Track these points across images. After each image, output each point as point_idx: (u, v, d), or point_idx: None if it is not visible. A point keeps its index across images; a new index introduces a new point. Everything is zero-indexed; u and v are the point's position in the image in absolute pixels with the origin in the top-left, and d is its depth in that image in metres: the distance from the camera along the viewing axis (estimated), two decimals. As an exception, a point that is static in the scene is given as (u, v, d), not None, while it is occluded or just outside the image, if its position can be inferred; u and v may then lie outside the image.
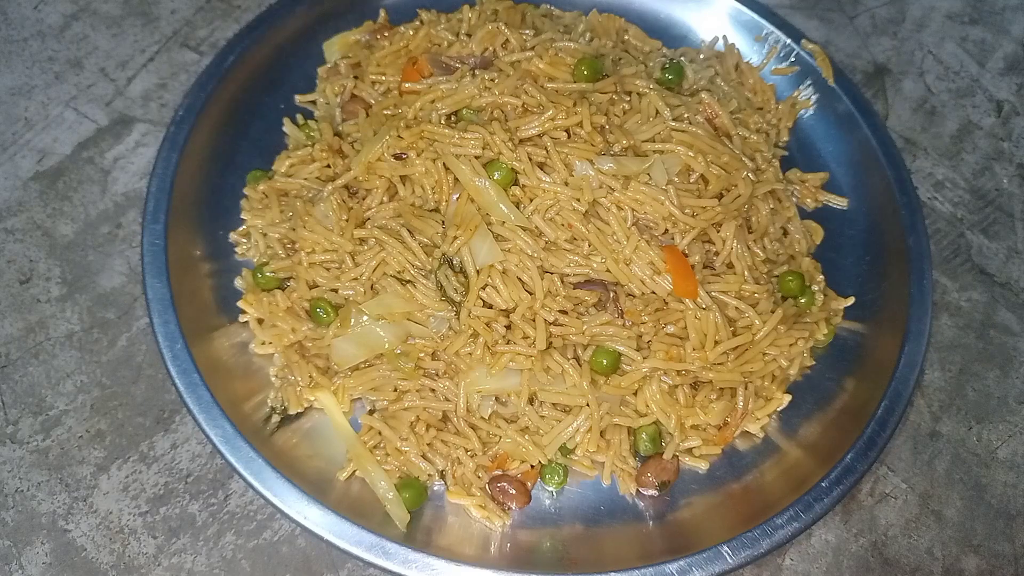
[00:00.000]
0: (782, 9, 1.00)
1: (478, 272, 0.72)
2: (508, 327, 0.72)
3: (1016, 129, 1.02)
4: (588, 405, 0.72)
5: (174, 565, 0.70)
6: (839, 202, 0.89)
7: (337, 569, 0.71)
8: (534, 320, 0.72)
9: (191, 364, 0.70)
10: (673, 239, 0.75)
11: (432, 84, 0.80)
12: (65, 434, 0.75)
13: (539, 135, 0.75)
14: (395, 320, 0.73)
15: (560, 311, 0.72)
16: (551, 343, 0.72)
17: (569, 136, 0.76)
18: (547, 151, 0.74)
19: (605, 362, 0.72)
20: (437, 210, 0.76)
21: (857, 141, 0.90)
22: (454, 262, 0.73)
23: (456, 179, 0.74)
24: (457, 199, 0.74)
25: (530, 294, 0.72)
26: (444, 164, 0.75)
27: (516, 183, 0.74)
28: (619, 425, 0.73)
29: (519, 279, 0.72)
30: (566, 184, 0.73)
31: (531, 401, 0.73)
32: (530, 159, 0.73)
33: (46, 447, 0.74)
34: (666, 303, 0.74)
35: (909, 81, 1.04)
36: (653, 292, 0.73)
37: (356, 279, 0.75)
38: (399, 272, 0.74)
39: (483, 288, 0.72)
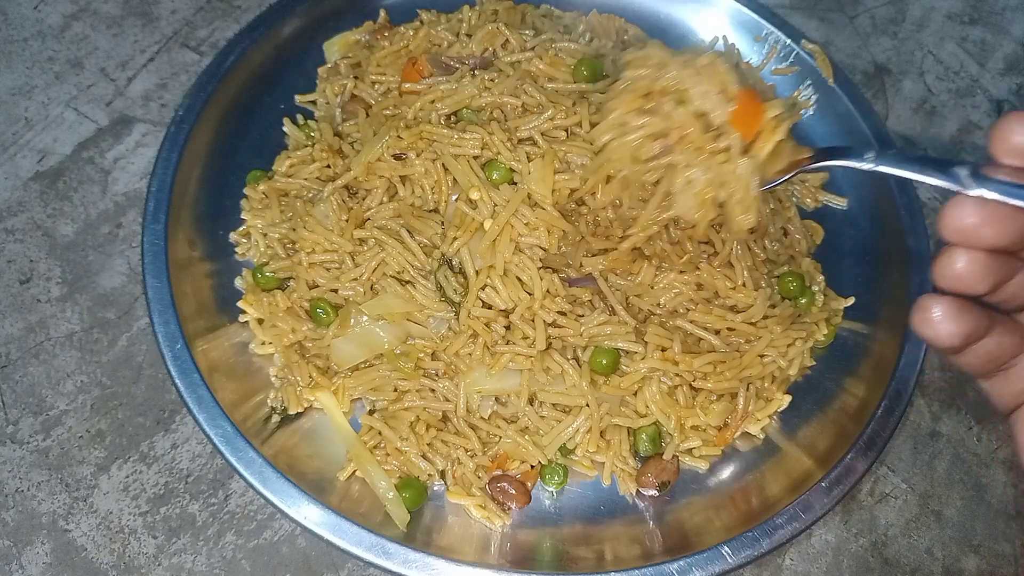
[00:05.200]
0: (782, 9, 1.00)
1: (477, 273, 0.72)
2: (508, 327, 0.72)
3: (1016, 129, 1.02)
4: (588, 405, 0.72)
5: (174, 565, 0.70)
6: (839, 202, 0.89)
7: (337, 569, 0.71)
8: (533, 320, 0.72)
9: (191, 364, 0.70)
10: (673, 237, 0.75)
11: (432, 84, 0.80)
12: (65, 434, 0.75)
13: (539, 134, 0.75)
14: (395, 320, 0.73)
15: (559, 312, 0.72)
16: (550, 344, 0.72)
17: (568, 136, 0.76)
18: (538, 146, 0.74)
19: (604, 362, 0.72)
20: (436, 210, 0.76)
21: (857, 141, 0.89)
22: (453, 263, 0.73)
23: (455, 179, 0.74)
24: (456, 200, 0.74)
25: (529, 295, 0.72)
26: (443, 164, 0.75)
27: (513, 182, 0.74)
28: (619, 425, 0.73)
29: (518, 279, 0.72)
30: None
31: (531, 401, 0.73)
32: (528, 159, 0.73)
33: (46, 447, 0.74)
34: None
35: (909, 81, 1.04)
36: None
37: (356, 279, 0.75)
38: (399, 272, 0.74)
39: (482, 289, 0.72)
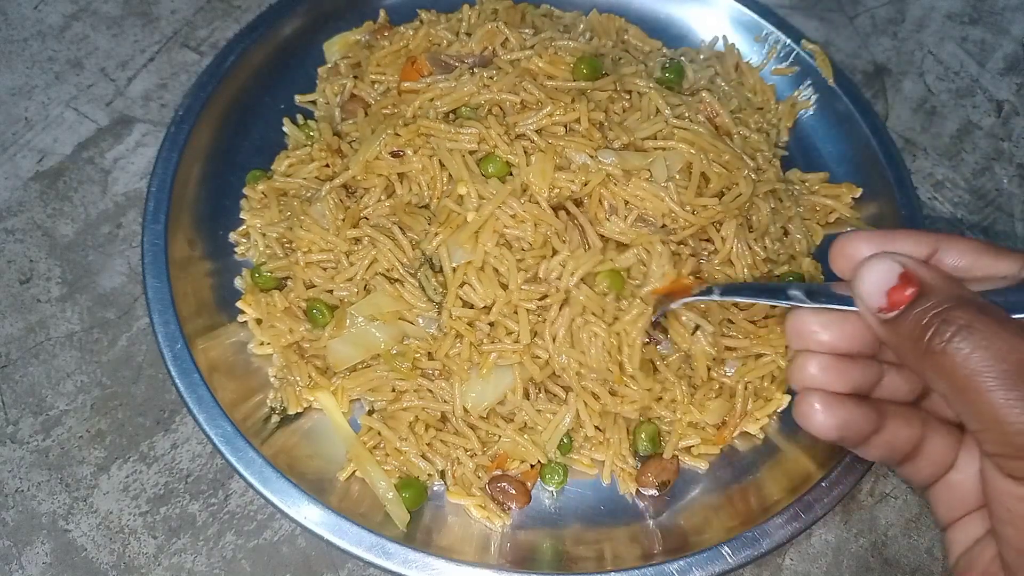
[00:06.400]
0: (782, 9, 1.00)
1: (454, 271, 0.71)
2: (492, 324, 0.72)
3: (1016, 129, 1.02)
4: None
5: (174, 565, 0.70)
6: (840, 201, 0.89)
7: (337, 569, 0.71)
8: (516, 313, 0.71)
9: (191, 364, 0.70)
10: (673, 233, 0.75)
11: (431, 83, 0.80)
12: (65, 434, 0.75)
13: (536, 131, 0.75)
14: (387, 320, 0.72)
15: (542, 296, 0.71)
16: (535, 333, 0.72)
17: (567, 131, 0.76)
18: (535, 143, 0.74)
19: (608, 283, 0.72)
20: (427, 206, 0.76)
21: (857, 141, 0.90)
22: (434, 261, 0.72)
23: (451, 175, 0.74)
24: (446, 197, 0.74)
25: (504, 287, 0.71)
26: (440, 160, 0.75)
27: (509, 174, 0.74)
28: (617, 422, 0.73)
29: (495, 270, 0.71)
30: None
31: (526, 395, 0.72)
32: (526, 153, 0.73)
33: (46, 447, 0.74)
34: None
35: (909, 81, 1.04)
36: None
37: (350, 279, 0.74)
38: (388, 270, 0.74)
39: (461, 287, 0.71)
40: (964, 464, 0.52)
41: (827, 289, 0.51)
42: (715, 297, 0.65)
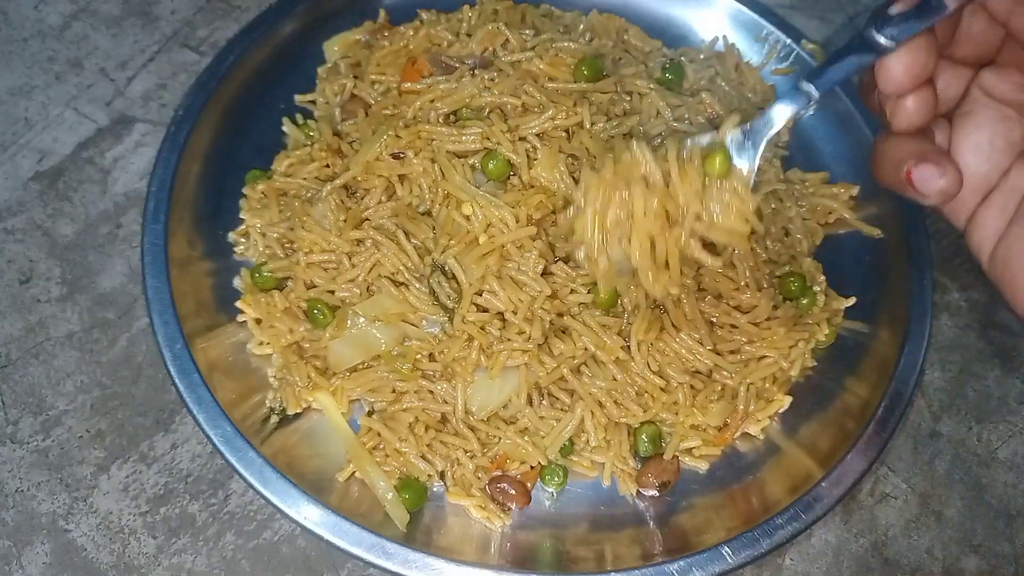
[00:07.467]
0: (782, 9, 1.00)
1: (471, 284, 0.71)
2: (502, 328, 0.72)
3: (1016, 129, 1.02)
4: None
5: (174, 565, 0.70)
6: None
7: (337, 569, 0.71)
8: (531, 317, 0.71)
9: (191, 364, 0.70)
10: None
11: (431, 84, 0.80)
12: (65, 434, 0.75)
13: (538, 135, 0.75)
14: (390, 321, 0.72)
15: (557, 314, 0.72)
16: (547, 339, 0.72)
17: (569, 136, 0.76)
18: (537, 147, 0.74)
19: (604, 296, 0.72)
20: (429, 213, 0.76)
21: (857, 141, 0.89)
22: (446, 267, 0.73)
23: (448, 181, 0.74)
24: (447, 207, 0.74)
25: (532, 297, 0.71)
26: (441, 168, 0.75)
27: (510, 175, 0.74)
28: (619, 425, 0.73)
29: (511, 279, 0.72)
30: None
31: (530, 401, 0.72)
32: (528, 156, 0.73)
33: (46, 447, 0.74)
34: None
35: (909, 81, 1.04)
36: None
37: (352, 280, 0.74)
38: (393, 274, 0.74)
39: (478, 294, 0.72)
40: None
41: (899, 15, 0.48)
42: (812, 103, 0.57)
